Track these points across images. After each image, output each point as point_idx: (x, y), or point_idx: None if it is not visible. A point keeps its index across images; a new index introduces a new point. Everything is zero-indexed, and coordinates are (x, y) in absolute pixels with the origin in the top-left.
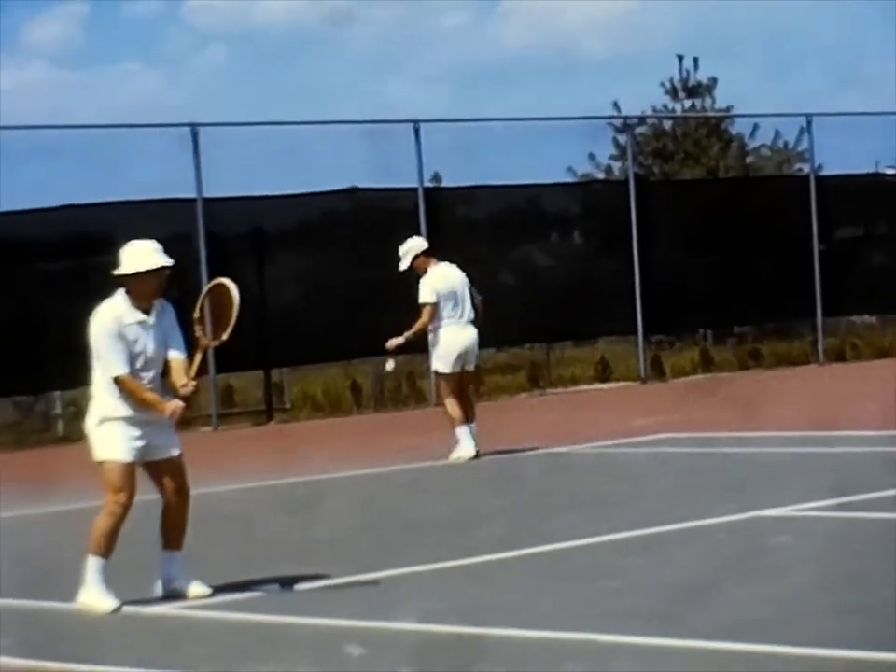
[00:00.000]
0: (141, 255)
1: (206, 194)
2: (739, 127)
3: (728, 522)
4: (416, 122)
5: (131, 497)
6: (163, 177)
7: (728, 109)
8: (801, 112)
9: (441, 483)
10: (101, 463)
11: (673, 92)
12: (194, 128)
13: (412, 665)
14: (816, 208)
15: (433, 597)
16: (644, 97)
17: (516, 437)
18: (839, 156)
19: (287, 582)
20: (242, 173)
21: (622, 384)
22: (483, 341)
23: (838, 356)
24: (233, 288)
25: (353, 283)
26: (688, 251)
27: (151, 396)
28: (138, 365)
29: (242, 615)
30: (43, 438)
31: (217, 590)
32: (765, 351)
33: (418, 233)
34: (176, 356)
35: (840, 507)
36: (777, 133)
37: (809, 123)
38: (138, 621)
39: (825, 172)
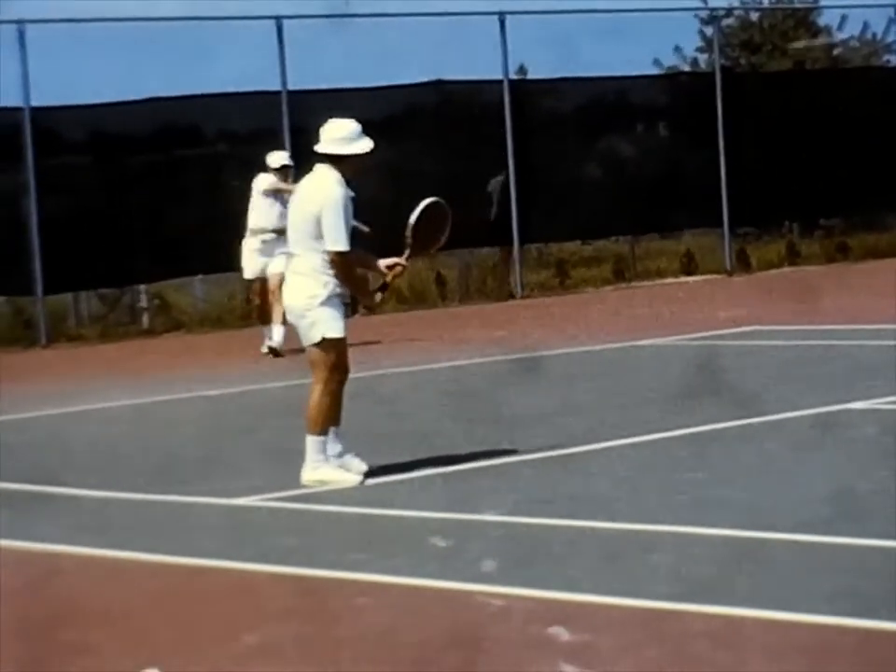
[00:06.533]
0: (359, 136)
1: (291, 87)
2: (827, 18)
3: (815, 414)
4: (502, 14)
5: (347, 371)
6: (249, 70)
7: (816, 0)
8: (890, 2)
9: (527, 376)
10: (323, 341)
11: None
12: (279, 21)
13: (497, 557)
14: None
15: (520, 489)
16: None
17: (602, 330)
18: None
19: (375, 474)
20: (326, 66)
21: (707, 277)
22: (568, 233)
23: None
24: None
25: (438, 175)
26: (774, 143)
27: (360, 279)
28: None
29: (327, 507)
30: (129, 331)
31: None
32: (853, 244)
33: (503, 126)
34: None
35: None
36: (865, 25)
37: None
38: (224, 512)
39: None
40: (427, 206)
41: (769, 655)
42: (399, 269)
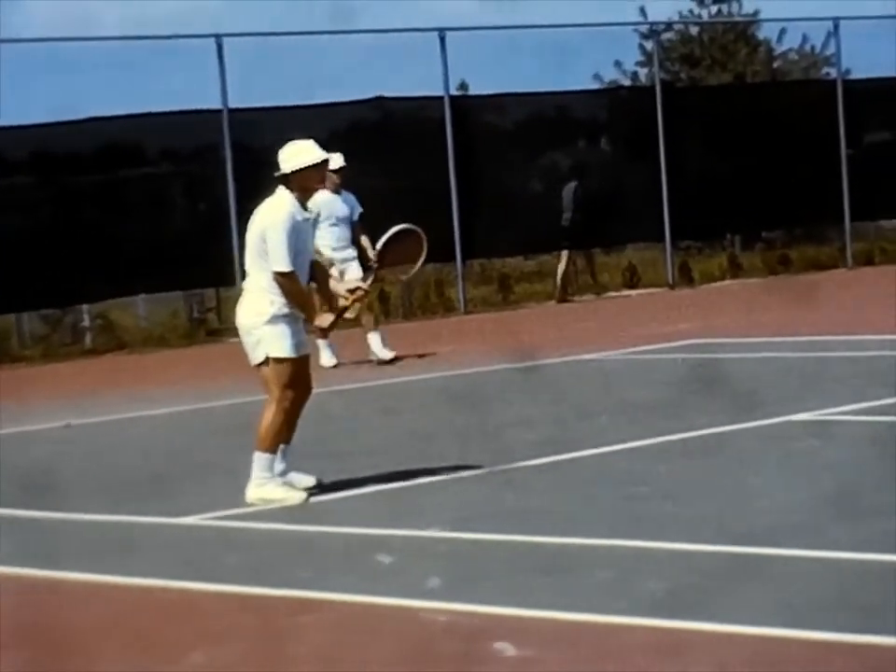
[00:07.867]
0: (304, 151)
1: (232, 105)
2: (766, 32)
3: (758, 427)
4: (442, 30)
5: (308, 390)
6: (189, 89)
7: (755, 14)
8: (828, 16)
9: (472, 391)
10: (273, 360)
11: None
12: (219, 39)
13: (442, 574)
14: (843, 112)
15: (465, 505)
16: (670, 3)
17: (545, 345)
18: (866, 60)
19: (320, 491)
20: (268, 83)
21: (650, 290)
22: (512, 248)
23: (867, 260)
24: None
25: (380, 192)
26: (715, 157)
27: (310, 300)
28: (298, 263)
29: (272, 525)
30: (72, 351)
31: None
32: (794, 256)
33: (445, 142)
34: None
35: (869, 411)
36: (804, 38)
37: (836, 27)
38: (169, 531)
39: (853, 76)
40: (398, 232)
41: (716, 669)
42: (360, 292)
